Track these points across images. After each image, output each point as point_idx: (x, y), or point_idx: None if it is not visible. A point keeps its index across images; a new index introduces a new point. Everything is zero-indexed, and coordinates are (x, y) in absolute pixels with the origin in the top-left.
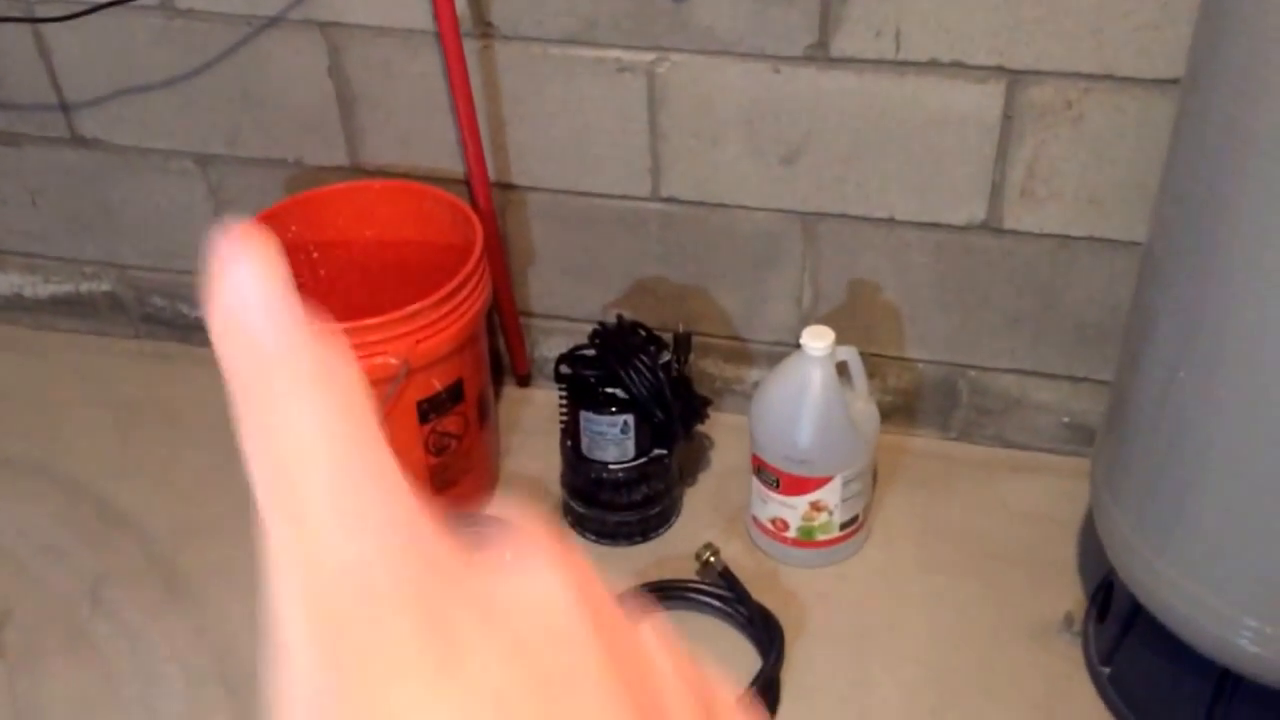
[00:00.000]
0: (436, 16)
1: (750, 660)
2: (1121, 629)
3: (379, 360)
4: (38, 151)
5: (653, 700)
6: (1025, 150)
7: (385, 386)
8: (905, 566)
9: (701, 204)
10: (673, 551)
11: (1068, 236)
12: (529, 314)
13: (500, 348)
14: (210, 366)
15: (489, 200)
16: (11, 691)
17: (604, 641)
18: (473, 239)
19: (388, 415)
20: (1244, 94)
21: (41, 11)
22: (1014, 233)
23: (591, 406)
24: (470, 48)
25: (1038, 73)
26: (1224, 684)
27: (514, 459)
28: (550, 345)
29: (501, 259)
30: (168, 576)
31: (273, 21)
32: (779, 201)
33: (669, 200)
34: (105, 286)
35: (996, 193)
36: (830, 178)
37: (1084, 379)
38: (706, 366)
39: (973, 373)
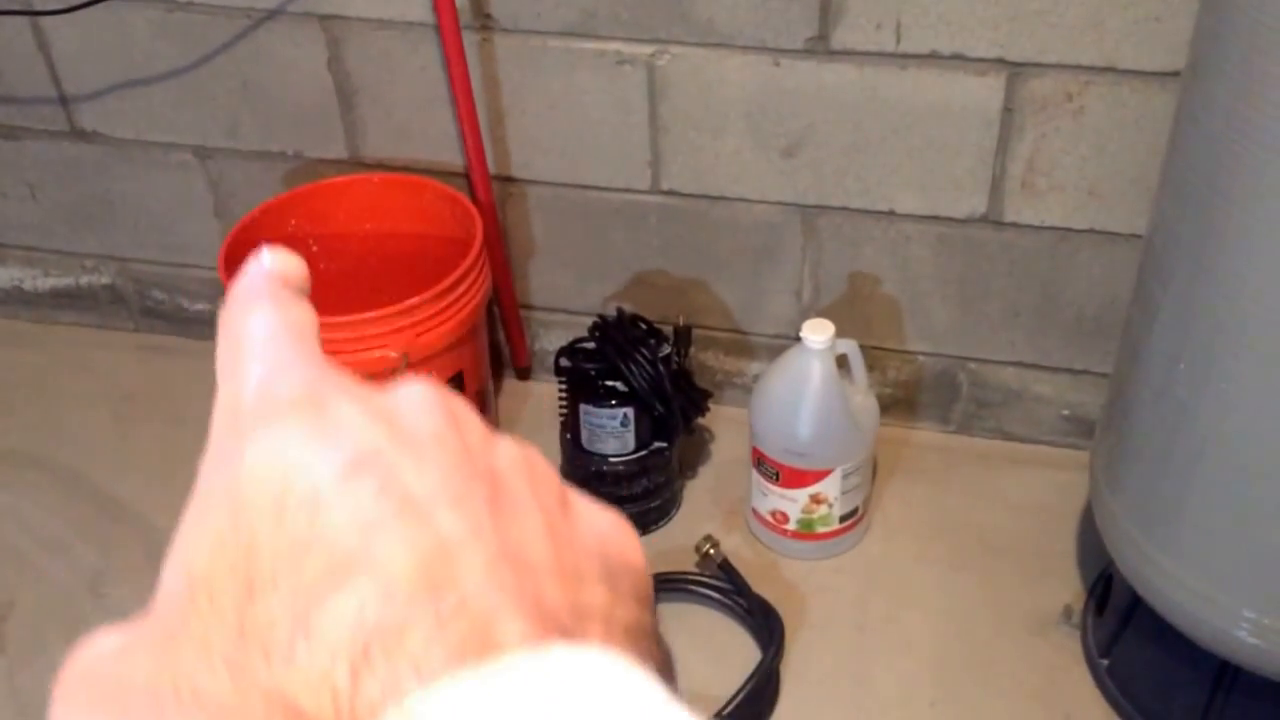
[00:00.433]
0: (436, 9)
1: (750, 652)
2: (1120, 621)
3: (379, 353)
4: (37, 145)
5: (488, 470)
6: (1026, 143)
7: (385, 380)
8: (905, 559)
9: (702, 197)
10: (673, 544)
11: (1068, 229)
12: (529, 307)
13: (500, 341)
14: (210, 359)
15: (489, 193)
16: (12, 685)
17: (455, 426)
18: (472, 232)
19: None
20: (1244, 87)
21: (40, 4)
22: (1014, 225)
23: (591, 399)
24: (469, 40)
25: (1038, 65)
26: (1222, 676)
27: None
28: (550, 338)
29: (501, 252)
30: None
31: (272, 14)
32: (779, 194)
33: (669, 193)
34: (105, 280)
35: (997, 185)
36: (831, 171)
37: (1084, 371)
38: (707, 359)
39: (973, 365)
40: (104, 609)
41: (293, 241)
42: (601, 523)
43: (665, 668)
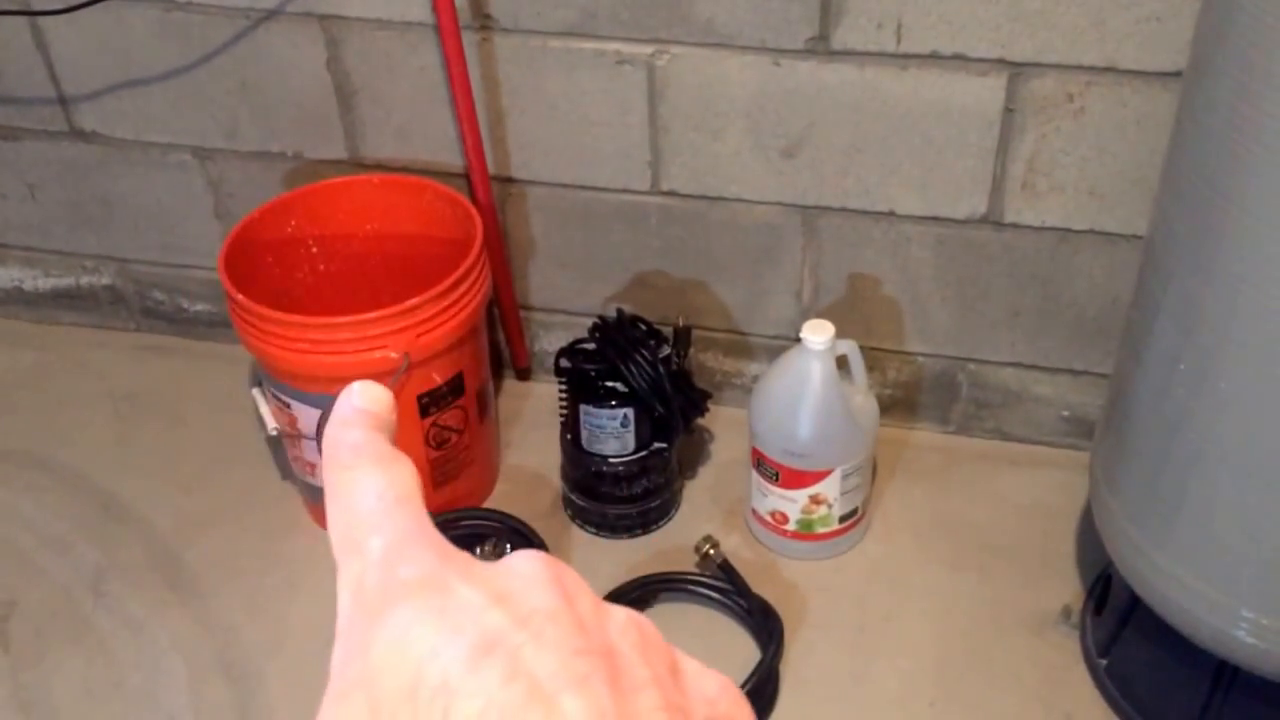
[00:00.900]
0: (435, 9)
1: (750, 652)
2: (1119, 621)
3: (379, 354)
4: (36, 145)
5: (604, 644)
6: (1026, 143)
7: (385, 381)
8: (904, 559)
9: (702, 197)
10: (672, 544)
11: (1069, 230)
12: (529, 308)
13: (500, 341)
14: (210, 360)
15: (489, 194)
16: (16, 683)
17: (568, 601)
18: (472, 233)
19: None
20: (1246, 86)
21: (39, 4)
22: (1015, 226)
23: (591, 400)
24: (469, 40)
25: (1039, 65)
26: (1221, 676)
27: (514, 452)
28: (550, 339)
29: (501, 253)
30: (169, 569)
31: (271, 14)
32: (779, 195)
33: (669, 194)
34: (105, 280)
35: (998, 186)
36: (831, 171)
37: (1084, 372)
38: (706, 360)
39: (972, 366)
40: (105, 608)
41: (293, 242)
42: (711, 688)
43: None
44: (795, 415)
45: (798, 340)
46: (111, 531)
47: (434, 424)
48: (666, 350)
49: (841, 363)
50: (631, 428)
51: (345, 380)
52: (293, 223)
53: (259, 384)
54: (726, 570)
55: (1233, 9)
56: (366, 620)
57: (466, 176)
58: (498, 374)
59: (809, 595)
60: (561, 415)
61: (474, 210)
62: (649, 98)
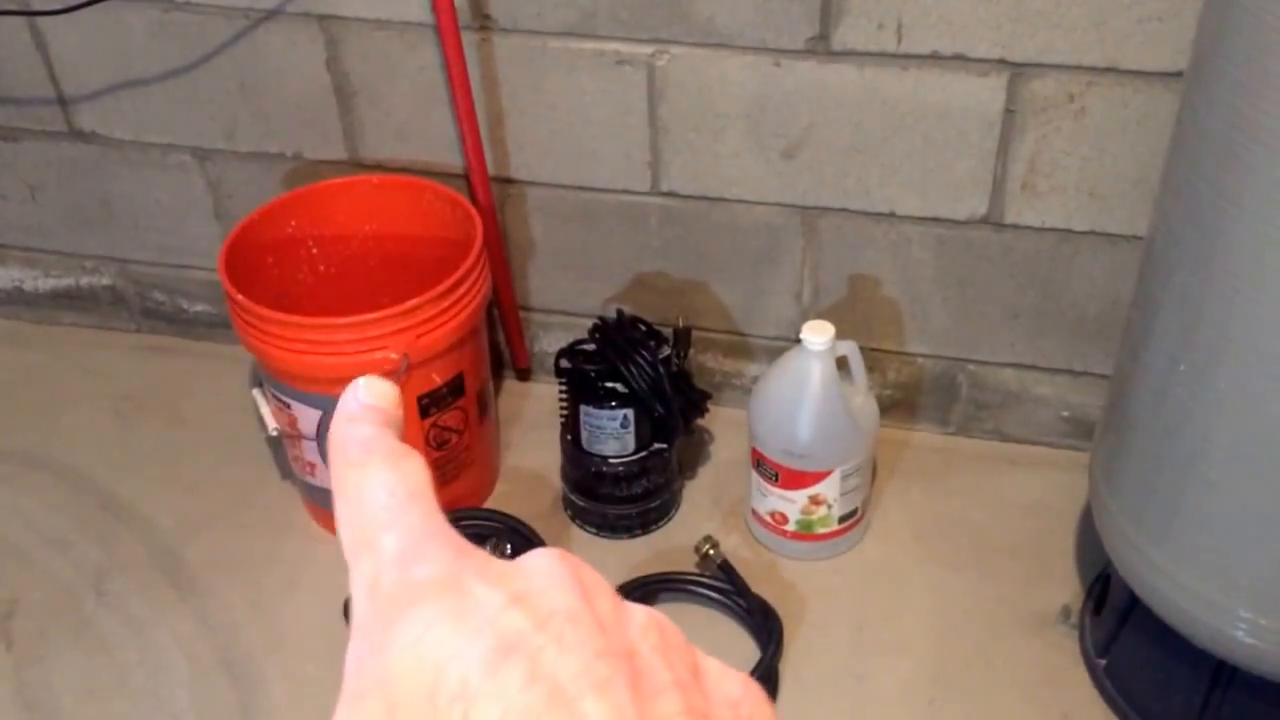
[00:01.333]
0: (435, 9)
1: (749, 652)
2: (1118, 621)
3: (379, 355)
4: (36, 145)
5: (625, 646)
6: (1027, 144)
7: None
8: (904, 559)
9: (702, 198)
10: (672, 544)
11: (1069, 231)
12: (529, 308)
13: (500, 342)
14: (211, 360)
15: (488, 194)
16: (18, 681)
17: (588, 601)
18: (472, 233)
19: None
20: (1247, 87)
21: (39, 4)
22: (1015, 227)
23: (591, 401)
24: (468, 40)
25: (1040, 66)
26: (1219, 675)
27: (514, 453)
28: (550, 339)
29: (501, 253)
30: (171, 568)
31: (270, 14)
32: (779, 196)
33: (669, 194)
34: (106, 281)
35: (998, 187)
36: (831, 172)
37: (1084, 373)
38: (706, 361)
39: (972, 367)
40: (107, 606)
41: (292, 243)
42: (733, 689)
43: None
44: (795, 416)
45: (798, 341)
46: (112, 531)
47: (434, 424)
48: (666, 351)
49: (841, 363)
50: (631, 428)
51: (345, 381)
52: (292, 223)
53: (259, 384)
54: (726, 570)
55: (1233, 9)
56: (383, 621)
57: (466, 177)
58: (498, 374)
59: (808, 595)
60: (561, 416)
61: (474, 211)
62: (649, 98)
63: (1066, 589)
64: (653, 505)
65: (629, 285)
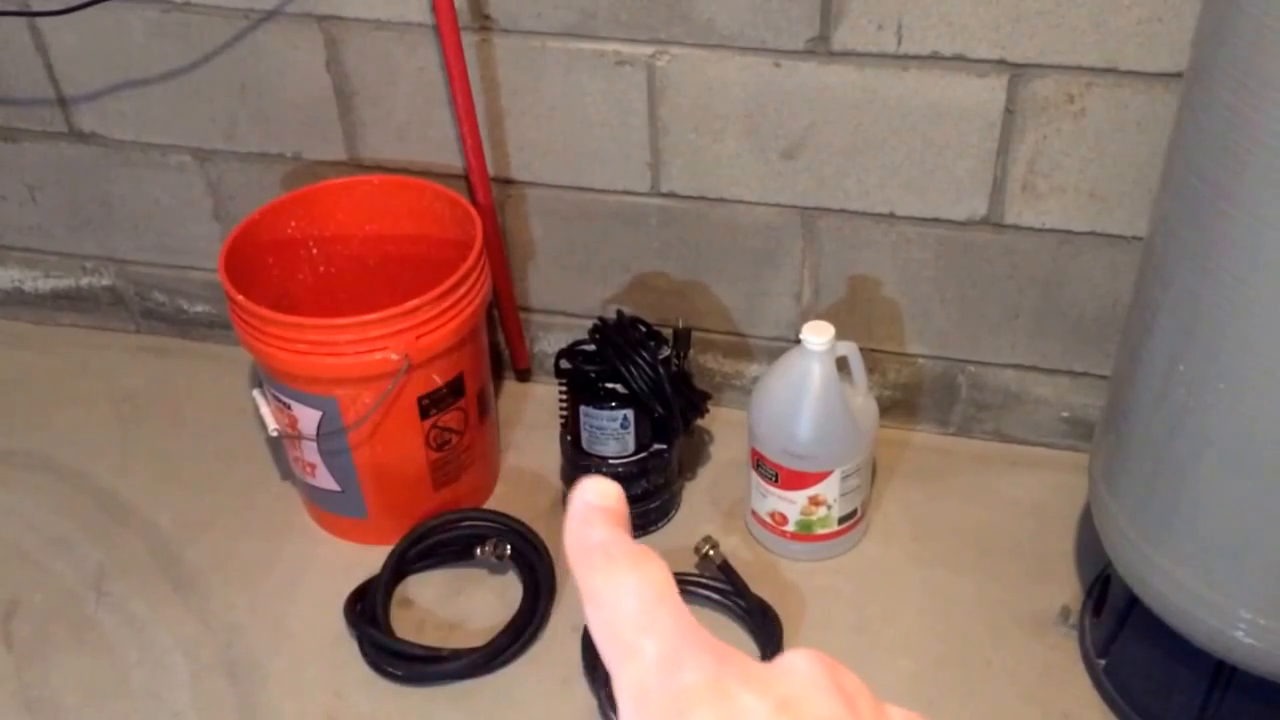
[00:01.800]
0: (434, 10)
1: (749, 652)
2: (1118, 621)
3: (380, 356)
4: (36, 146)
5: None
6: (1027, 145)
7: (386, 382)
8: (903, 560)
9: (701, 199)
10: (672, 545)
11: (1069, 231)
12: (529, 309)
13: (500, 343)
14: (211, 360)
15: (488, 195)
16: (19, 681)
17: (850, 706)
18: (472, 234)
19: (388, 411)
20: (1246, 87)
21: (38, 5)
22: (1015, 228)
23: (591, 401)
24: (468, 41)
25: (1040, 66)
26: (1219, 676)
27: (514, 454)
28: (550, 340)
29: (501, 254)
30: (171, 568)
31: (270, 15)
32: (779, 196)
33: (669, 195)
34: (105, 281)
35: (998, 188)
36: (831, 172)
37: (1083, 374)
38: (706, 361)
39: (972, 368)
40: (107, 607)
41: (292, 244)
42: None
43: None
44: (795, 416)
45: (797, 342)
46: (113, 531)
47: (434, 425)
48: (666, 351)
49: (841, 364)
50: (631, 429)
51: (346, 381)
52: (292, 224)
53: (259, 385)
54: (726, 571)
55: (1233, 10)
56: None
57: (466, 178)
58: (498, 375)
59: (808, 596)
60: (561, 416)
61: (474, 211)
62: (649, 99)
63: (1066, 589)
64: (652, 506)
65: (629, 286)
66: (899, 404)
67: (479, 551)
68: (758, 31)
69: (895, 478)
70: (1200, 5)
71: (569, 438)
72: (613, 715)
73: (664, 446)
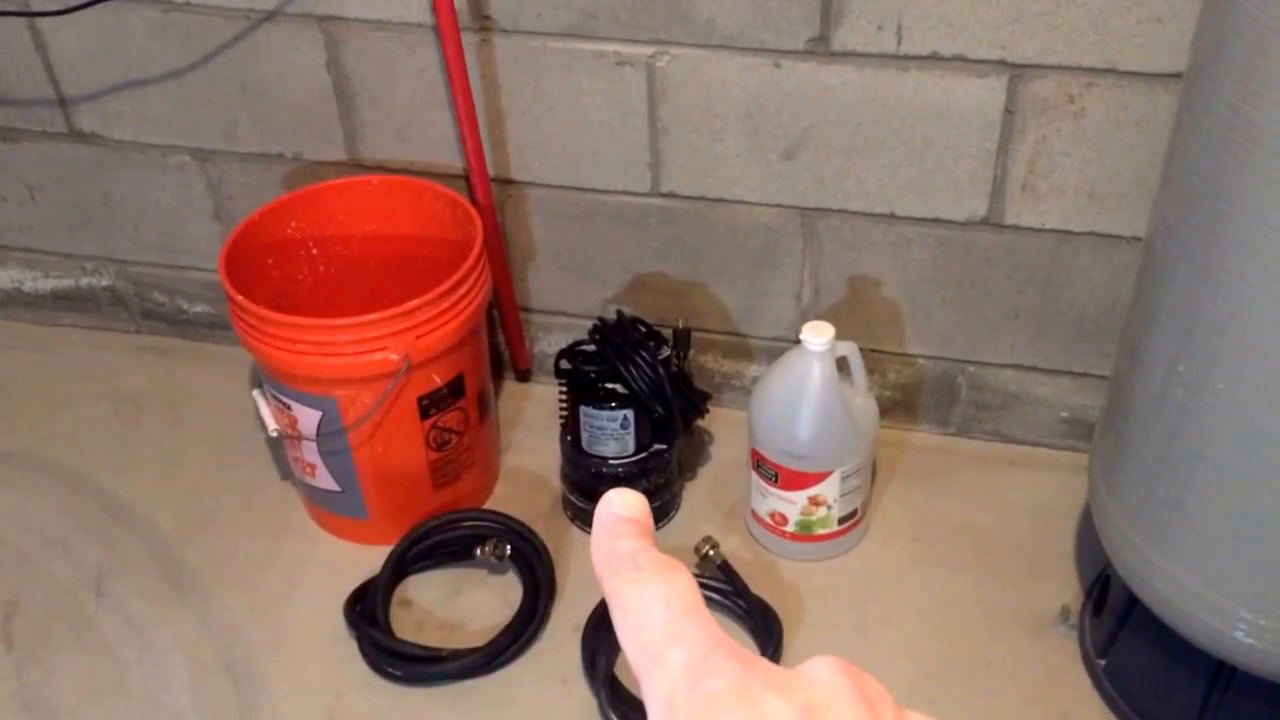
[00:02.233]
0: (435, 10)
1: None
2: (1118, 622)
3: (379, 356)
4: (35, 146)
5: None
6: (1027, 145)
7: (386, 382)
8: (903, 560)
9: (701, 199)
10: (672, 545)
11: (1069, 232)
12: (529, 309)
13: (500, 343)
14: (211, 361)
15: (488, 195)
16: (19, 682)
17: (873, 712)
18: (472, 234)
19: (388, 412)
20: (1246, 88)
21: (38, 5)
22: (1015, 228)
23: (591, 401)
24: (468, 41)
25: (1040, 67)
26: (1219, 676)
27: (514, 454)
28: (550, 340)
29: (501, 254)
30: (171, 568)
31: (270, 15)
32: (779, 197)
33: (669, 195)
34: (105, 281)
35: (998, 188)
36: (831, 173)
37: (1083, 374)
38: (706, 362)
39: (972, 368)
40: (107, 607)
41: (292, 244)
42: None
43: None
44: (795, 417)
45: (797, 342)
46: (112, 532)
47: (434, 425)
48: (666, 352)
49: (841, 364)
50: (631, 429)
51: (346, 381)
52: (292, 224)
53: (259, 385)
54: (726, 571)
55: (1233, 10)
56: None
57: (466, 178)
58: (498, 375)
59: (808, 596)
60: (561, 417)
61: (474, 212)
62: (649, 99)
63: (1066, 590)
64: (653, 506)
65: (629, 286)
66: (899, 404)
67: (479, 552)
68: (758, 32)
69: (895, 478)
70: (1200, 5)
71: (569, 438)
72: (613, 715)
73: (664, 447)
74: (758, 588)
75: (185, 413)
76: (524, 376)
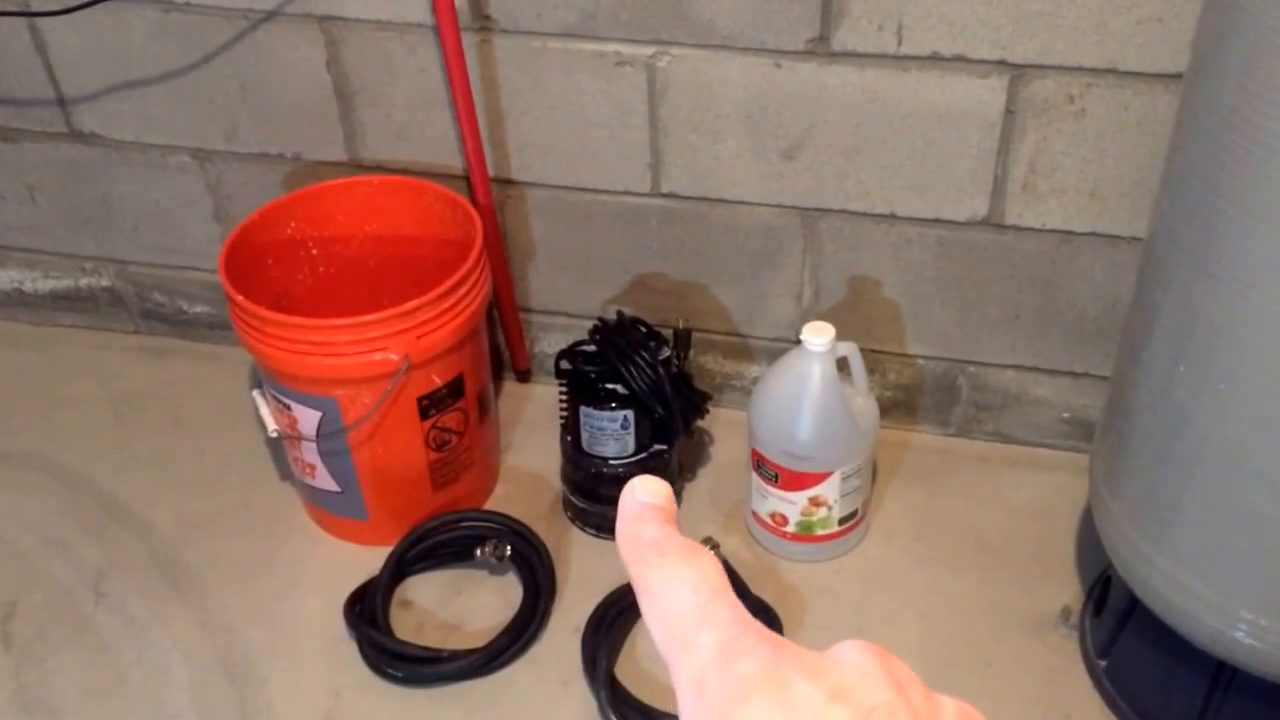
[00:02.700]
0: (435, 10)
1: None
2: (1118, 622)
3: (379, 356)
4: (35, 146)
5: None
6: (1027, 145)
7: (386, 383)
8: (903, 561)
9: (702, 199)
10: None
11: (1069, 232)
12: (529, 309)
13: (500, 343)
14: (210, 361)
15: (488, 195)
16: (18, 682)
17: (903, 694)
18: (472, 234)
19: (388, 412)
20: (1246, 88)
21: (38, 5)
22: (1015, 228)
23: (591, 402)
24: (469, 41)
25: (1040, 67)
26: (1219, 677)
27: (514, 454)
28: (550, 341)
29: (501, 254)
30: (170, 569)
31: (270, 15)
32: (780, 197)
33: (669, 196)
34: (105, 282)
35: (998, 188)
36: (831, 173)
37: (1084, 374)
38: (706, 362)
39: (972, 368)
40: (106, 607)
41: (292, 244)
42: None
43: None
44: (795, 417)
45: (798, 342)
46: (112, 532)
47: (434, 426)
48: (666, 352)
49: (842, 365)
50: (631, 430)
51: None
52: (292, 224)
53: (259, 385)
54: (726, 572)
55: (1233, 10)
56: (714, 717)
57: (466, 178)
58: (498, 376)
59: (808, 597)
60: (562, 417)
61: (474, 212)
62: (649, 99)
63: (1067, 590)
64: None
65: (629, 286)
66: (899, 404)
67: (479, 552)
68: (758, 32)
69: (896, 479)
70: (1200, 5)
71: (569, 438)
72: (613, 715)
73: (664, 447)
74: (758, 588)
75: (185, 413)
76: (524, 377)
